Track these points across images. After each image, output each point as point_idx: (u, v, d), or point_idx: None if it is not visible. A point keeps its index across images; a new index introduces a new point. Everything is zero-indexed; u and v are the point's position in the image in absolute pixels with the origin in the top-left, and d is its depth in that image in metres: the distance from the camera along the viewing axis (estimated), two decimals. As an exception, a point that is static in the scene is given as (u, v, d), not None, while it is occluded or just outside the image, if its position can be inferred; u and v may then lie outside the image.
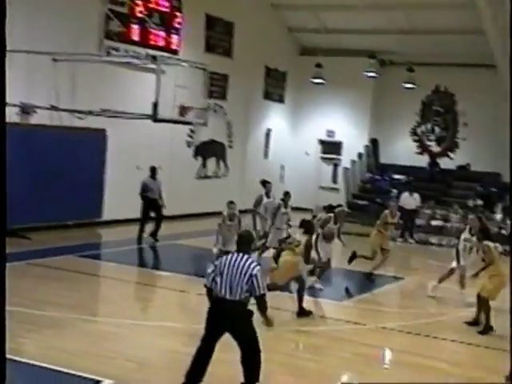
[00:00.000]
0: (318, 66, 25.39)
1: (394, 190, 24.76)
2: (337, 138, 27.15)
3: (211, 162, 23.09)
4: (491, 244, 10.94)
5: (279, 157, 26.61)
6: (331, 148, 27.27)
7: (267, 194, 15.27)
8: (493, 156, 24.53)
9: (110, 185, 18.13)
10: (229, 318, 6.69)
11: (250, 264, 6.68)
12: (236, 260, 6.73)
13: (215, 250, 12.98)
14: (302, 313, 10.56)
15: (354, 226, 20.49)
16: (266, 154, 26.13)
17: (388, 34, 24.66)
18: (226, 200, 13.50)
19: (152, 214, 16.84)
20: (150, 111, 13.04)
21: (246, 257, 6.76)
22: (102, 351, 8.22)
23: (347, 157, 26.74)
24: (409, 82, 24.95)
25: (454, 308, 12.22)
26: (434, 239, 21.59)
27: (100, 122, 16.00)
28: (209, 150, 22.75)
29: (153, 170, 16.92)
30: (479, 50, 22.62)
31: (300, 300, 10.61)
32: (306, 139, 27.17)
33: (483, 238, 11.18)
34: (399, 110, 26.40)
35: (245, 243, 6.94)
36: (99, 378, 7.16)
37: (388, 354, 9.52)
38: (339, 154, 27.16)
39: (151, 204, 16.75)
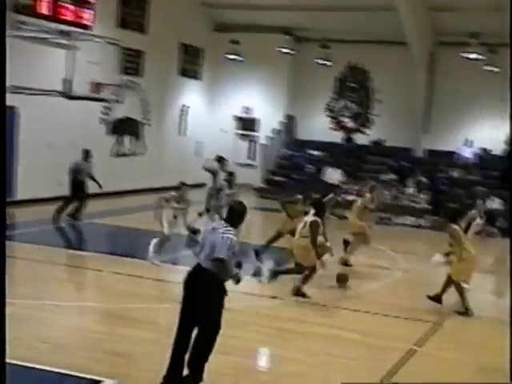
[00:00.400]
0: (234, 42, 25.33)
1: (310, 166, 25.14)
2: (253, 115, 27.23)
3: (127, 140, 22.78)
4: (457, 227, 10.74)
5: (196, 134, 26.50)
6: (248, 124, 27.34)
7: (222, 171, 15.22)
8: (405, 132, 25.16)
9: (23, 164, 17.66)
10: (195, 283, 6.54)
11: (224, 235, 6.49)
12: (217, 229, 6.60)
13: (166, 232, 12.36)
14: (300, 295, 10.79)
15: (271, 202, 20.65)
16: (183, 131, 25.97)
17: (303, 11, 24.80)
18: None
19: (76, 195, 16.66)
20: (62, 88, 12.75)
21: (225, 228, 6.56)
22: (18, 334, 8.03)
23: (264, 133, 26.88)
24: (324, 59, 25.21)
25: (362, 280, 12.50)
26: (349, 214, 22.00)
27: (11, 99, 15.46)
28: (124, 128, 22.43)
29: (86, 153, 16.74)
30: (392, 27, 23.04)
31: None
32: (222, 116, 27.14)
33: (449, 221, 10.83)
34: (315, 86, 26.65)
35: (233, 216, 6.74)
36: (13, 362, 7.01)
37: (305, 327, 9.69)
38: (256, 130, 27.27)
39: (77, 185, 16.52)
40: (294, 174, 24.77)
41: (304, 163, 25.43)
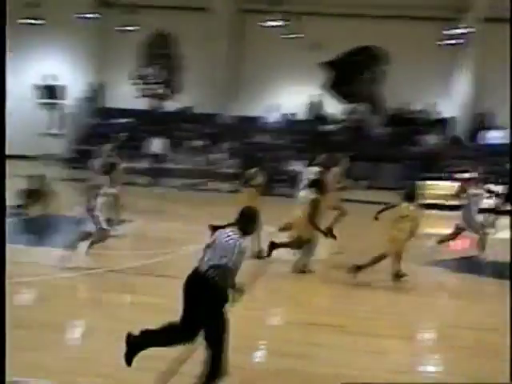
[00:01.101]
0: (32, 4, 23.78)
1: (122, 134, 24.75)
2: (58, 82, 26.24)
3: None
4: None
5: (-4, 103, 25.07)
6: (52, 93, 26.31)
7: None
8: (214, 98, 25.44)
9: None
10: (191, 289, 6.12)
11: (229, 239, 6.01)
12: (226, 235, 6.07)
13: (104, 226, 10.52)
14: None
15: (82, 172, 20.09)
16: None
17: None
18: None
19: None
20: None
21: (233, 233, 6.07)
22: None
23: (70, 101, 26.03)
24: (130, 25, 24.70)
25: (177, 247, 12.55)
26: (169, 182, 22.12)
27: None
28: None
29: None
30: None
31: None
32: (23, 84, 25.85)
33: (406, 200, 10.66)
34: (122, 52, 26.13)
35: (243, 221, 6.21)
36: None
37: (118, 296, 9.57)
38: (61, 98, 26.32)
39: None
40: (101, 142, 24.19)
41: (112, 131, 24.95)
